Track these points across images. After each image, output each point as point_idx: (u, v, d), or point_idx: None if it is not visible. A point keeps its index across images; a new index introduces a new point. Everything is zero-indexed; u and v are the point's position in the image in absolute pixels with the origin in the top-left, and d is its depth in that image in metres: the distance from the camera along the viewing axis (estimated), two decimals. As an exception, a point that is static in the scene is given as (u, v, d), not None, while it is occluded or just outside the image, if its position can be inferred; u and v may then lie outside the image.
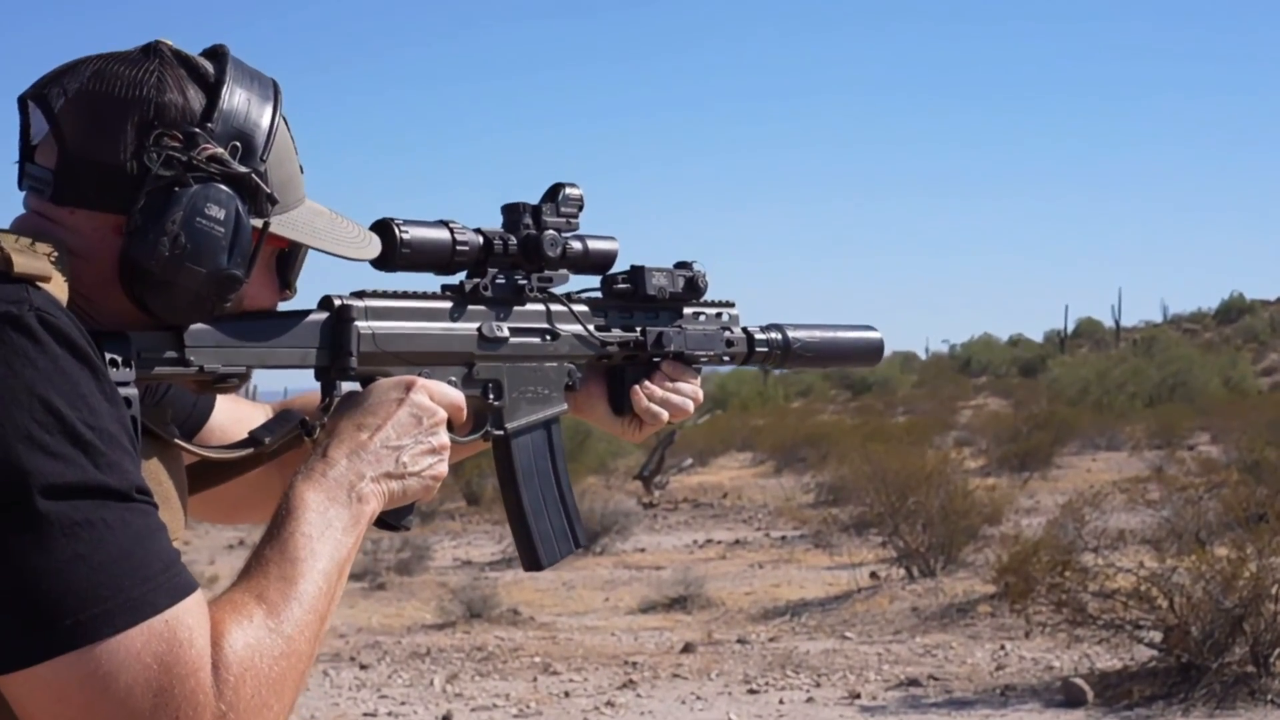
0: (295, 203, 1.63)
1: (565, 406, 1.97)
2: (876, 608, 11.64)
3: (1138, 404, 31.27)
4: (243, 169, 1.53)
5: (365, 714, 8.89)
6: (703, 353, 2.11)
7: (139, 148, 1.49)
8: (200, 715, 1.29)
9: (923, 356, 63.00)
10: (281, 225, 1.59)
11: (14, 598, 1.25)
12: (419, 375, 1.71)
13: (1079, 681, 8.58)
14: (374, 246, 1.71)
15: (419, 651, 10.63)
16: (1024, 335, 60.71)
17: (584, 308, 1.98)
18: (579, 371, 1.97)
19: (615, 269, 2.03)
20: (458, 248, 1.81)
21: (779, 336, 2.21)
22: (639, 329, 2.04)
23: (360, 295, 1.73)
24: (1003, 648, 9.98)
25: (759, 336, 2.19)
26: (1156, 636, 8.71)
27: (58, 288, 1.41)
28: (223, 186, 1.51)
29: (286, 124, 1.63)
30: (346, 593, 13.43)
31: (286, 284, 1.67)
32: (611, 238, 1.99)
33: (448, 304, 1.82)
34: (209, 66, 1.56)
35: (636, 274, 2.04)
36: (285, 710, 1.37)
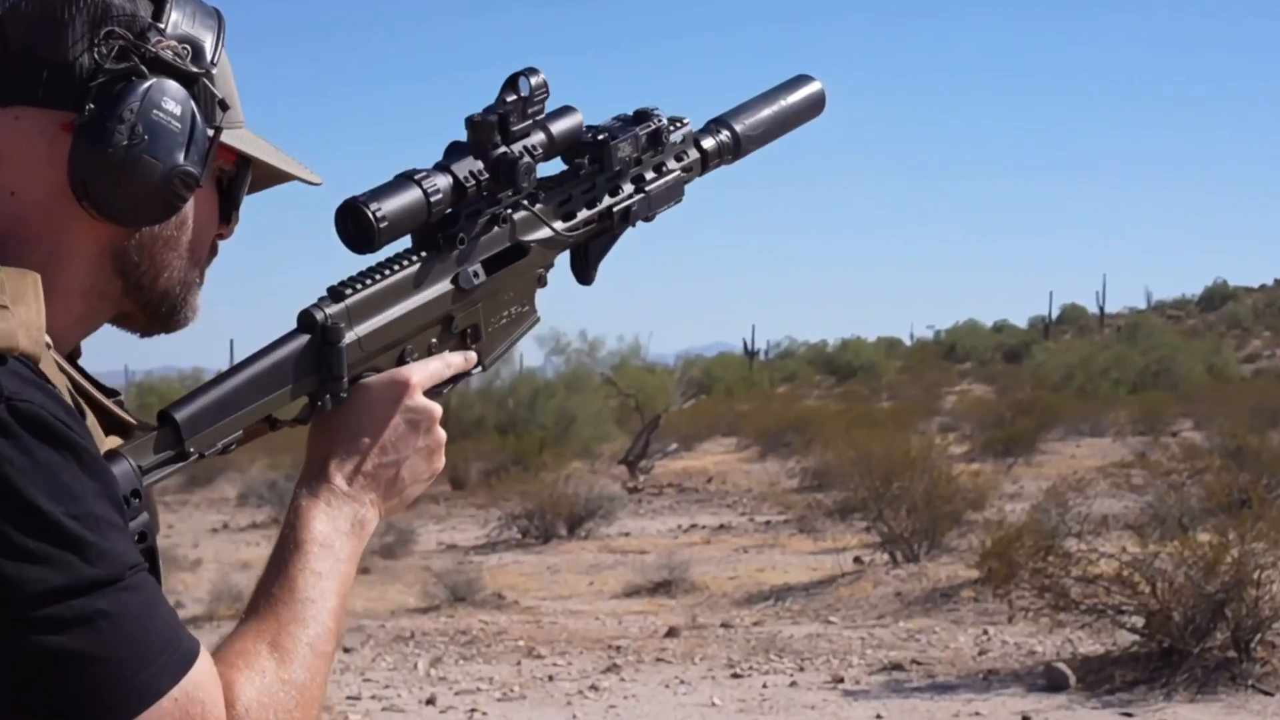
0: (238, 123, 1.57)
1: (538, 316, 1.85)
2: (860, 593, 11.66)
3: (1121, 390, 31.37)
4: (195, 69, 1.48)
5: (349, 698, 8.90)
6: (666, 206, 1.99)
7: (90, 43, 1.44)
8: None
9: (908, 342, 63.18)
10: (231, 138, 1.54)
11: (20, 706, 1.23)
12: (405, 355, 1.64)
13: (1061, 666, 8.62)
14: (316, 176, 1.65)
15: (403, 635, 10.63)
16: (1009, 321, 60.95)
17: (548, 204, 1.84)
18: (548, 270, 1.85)
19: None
20: (432, 202, 1.66)
21: (728, 137, 2.05)
22: (603, 203, 1.90)
23: (338, 296, 1.61)
24: (985, 632, 10.01)
25: (710, 146, 2.03)
26: (1139, 621, 8.75)
27: (33, 318, 1.33)
28: (176, 84, 1.46)
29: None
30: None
31: (227, 217, 1.59)
32: (572, 109, 1.83)
33: (420, 267, 1.69)
34: None
35: (601, 150, 1.88)
36: None
